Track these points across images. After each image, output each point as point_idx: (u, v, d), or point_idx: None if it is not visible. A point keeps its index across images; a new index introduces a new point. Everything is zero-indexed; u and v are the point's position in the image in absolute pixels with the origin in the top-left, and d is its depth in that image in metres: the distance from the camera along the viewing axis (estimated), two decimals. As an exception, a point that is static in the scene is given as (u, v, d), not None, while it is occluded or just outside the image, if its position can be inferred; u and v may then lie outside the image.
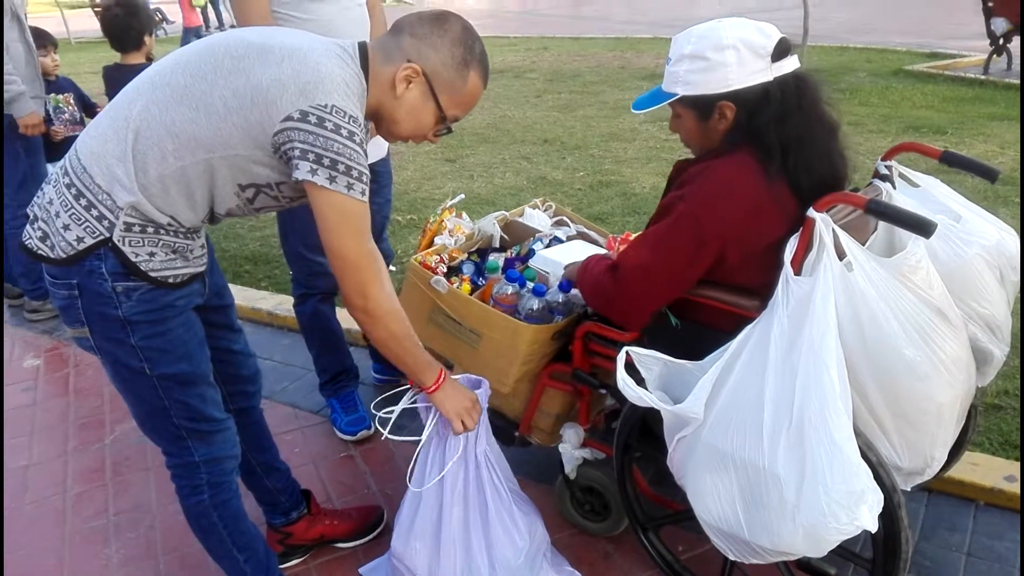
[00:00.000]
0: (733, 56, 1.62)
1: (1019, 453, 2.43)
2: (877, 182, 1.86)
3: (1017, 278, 1.91)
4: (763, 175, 1.63)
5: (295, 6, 2.22)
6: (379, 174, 2.68)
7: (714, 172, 1.67)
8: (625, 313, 1.79)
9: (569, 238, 2.41)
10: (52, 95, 3.86)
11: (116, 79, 3.57)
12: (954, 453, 2.11)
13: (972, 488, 2.27)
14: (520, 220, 2.45)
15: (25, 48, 3.47)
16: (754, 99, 1.63)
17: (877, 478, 1.53)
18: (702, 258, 1.67)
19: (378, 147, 2.59)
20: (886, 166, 1.87)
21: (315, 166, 1.39)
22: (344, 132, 1.41)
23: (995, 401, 2.69)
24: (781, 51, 1.63)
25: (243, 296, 3.77)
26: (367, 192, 1.46)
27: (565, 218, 2.53)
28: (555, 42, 13.00)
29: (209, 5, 16.57)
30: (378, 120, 1.62)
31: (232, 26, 2.08)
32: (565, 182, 5.42)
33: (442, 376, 1.73)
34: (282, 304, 3.62)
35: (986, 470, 2.31)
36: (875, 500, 1.43)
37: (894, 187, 1.85)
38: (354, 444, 2.70)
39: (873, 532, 1.43)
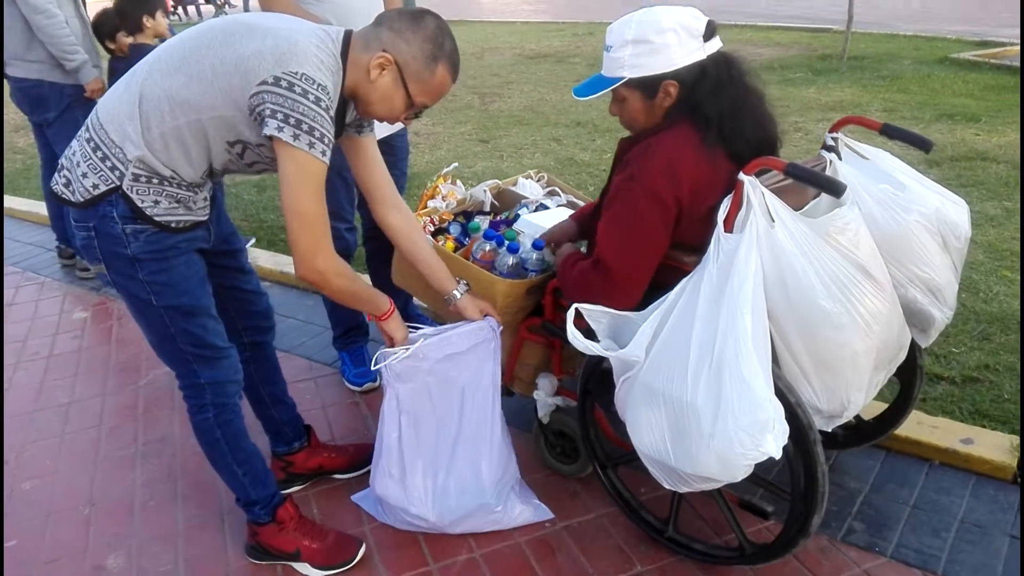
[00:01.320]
0: (674, 38, 1.79)
1: (987, 423, 2.54)
2: (823, 152, 2.00)
3: (960, 245, 2.03)
4: (702, 144, 1.80)
5: None
6: (396, 148, 2.88)
7: (658, 146, 1.83)
8: (623, 296, 1.88)
9: (558, 206, 2.60)
10: None
11: (131, 58, 3.79)
12: (900, 412, 2.26)
13: (928, 448, 2.39)
14: (512, 189, 2.64)
15: (81, 23, 3.79)
16: (693, 76, 1.81)
17: (794, 416, 1.70)
18: (668, 223, 1.85)
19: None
20: (832, 138, 2.01)
21: (282, 124, 1.59)
22: (311, 97, 1.60)
23: (974, 374, 2.79)
24: (710, 32, 1.81)
25: (274, 261, 4.05)
26: (327, 154, 1.65)
27: (556, 188, 2.72)
28: (602, 28, 12.95)
29: None
30: (355, 100, 1.81)
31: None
32: (592, 163, 5.58)
33: (392, 309, 1.97)
34: (309, 269, 3.87)
35: (944, 432, 2.43)
36: (780, 431, 1.59)
37: (839, 157, 2.00)
38: (360, 393, 2.94)
39: (777, 458, 1.59)
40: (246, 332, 2.17)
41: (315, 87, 1.60)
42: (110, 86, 3.81)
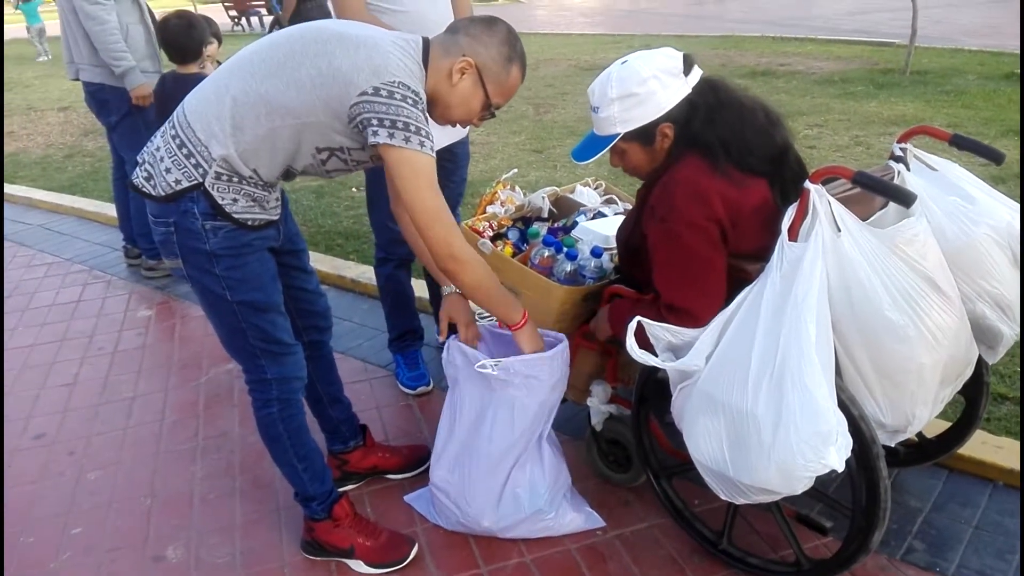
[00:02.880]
0: (656, 84, 1.83)
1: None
2: (891, 163, 1.97)
3: (1031, 260, 1.98)
4: (714, 169, 1.82)
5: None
6: (457, 155, 2.91)
7: (674, 180, 1.85)
8: (708, 319, 1.80)
9: (616, 215, 2.60)
10: None
11: (173, 88, 3.53)
12: (964, 431, 2.21)
13: (992, 468, 2.32)
14: (570, 196, 2.65)
15: (144, 29, 3.89)
16: (684, 113, 1.85)
17: (857, 430, 1.67)
18: (716, 242, 1.84)
19: (459, 130, 2.81)
20: (901, 148, 1.98)
21: (391, 131, 1.66)
22: (410, 101, 1.69)
23: (1039, 396, 2.71)
24: (688, 65, 1.85)
25: (332, 265, 4.12)
26: (434, 149, 1.73)
27: (614, 196, 2.72)
28: (659, 40, 13.00)
29: None
30: (433, 104, 1.87)
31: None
32: (645, 174, 5.55)
33: (526, 316, 1.98)
34: (364, 274, 3.94)
35: (1009, 452, 2.35)
36: (843, 443, 1.57)
37: (908, 168, 1.96)
38: (413, 396, 2.97)
39: (839, 471, 1.56)
40: (306, 331, 2.21)
41: (411, 92, 1.69)
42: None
